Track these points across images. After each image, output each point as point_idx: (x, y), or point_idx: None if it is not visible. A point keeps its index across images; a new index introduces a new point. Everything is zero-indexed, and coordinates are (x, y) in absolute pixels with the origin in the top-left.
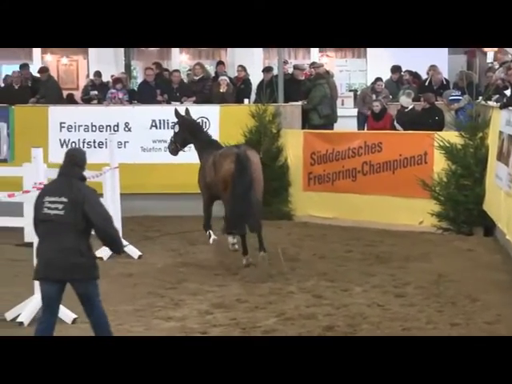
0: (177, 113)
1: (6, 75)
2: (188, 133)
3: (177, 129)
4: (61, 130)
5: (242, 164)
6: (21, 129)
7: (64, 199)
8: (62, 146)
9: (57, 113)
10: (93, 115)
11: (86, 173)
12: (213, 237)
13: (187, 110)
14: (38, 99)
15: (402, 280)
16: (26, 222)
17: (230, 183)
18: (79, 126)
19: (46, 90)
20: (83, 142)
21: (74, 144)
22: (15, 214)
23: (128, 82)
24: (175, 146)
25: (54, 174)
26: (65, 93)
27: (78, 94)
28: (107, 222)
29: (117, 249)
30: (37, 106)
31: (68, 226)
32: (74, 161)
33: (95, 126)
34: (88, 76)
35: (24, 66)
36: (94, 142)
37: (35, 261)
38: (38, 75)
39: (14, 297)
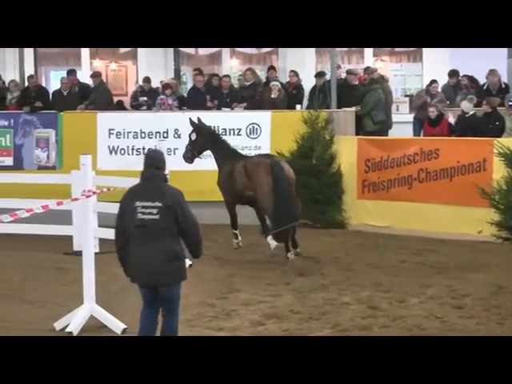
0: (192, 121)
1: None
2: (208, 140)
3: (194, 136)
4: (109, 137)
5: (278, 174)
6: (69, 136)
7: (158, 204)
8: (110, 153)
9: (106, 119)
10: (142, 122)
11: (136, 180)
12: (238, 240)
13: (199, 119)
14: (87, 105)
15: (460, 291)
16: (74, 231)
17: (270, 194)
18: (128, 133)
19: (96, 96)
20: (132, 149)
21: (122, 151)
22: (64, 222)
23: (178, 88)
24: (192, 154)
25: (102, 181)
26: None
27: (126, 100)
28: (195, 225)
29: (197, 254)
30: (85, 113)
31: (163, 230)
32: (156, 163)
33: (144, 132)
34: (137, 82)
35: (71, 72)
36: (143, 148)
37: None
38: (84, 81)
39: (62, 306)
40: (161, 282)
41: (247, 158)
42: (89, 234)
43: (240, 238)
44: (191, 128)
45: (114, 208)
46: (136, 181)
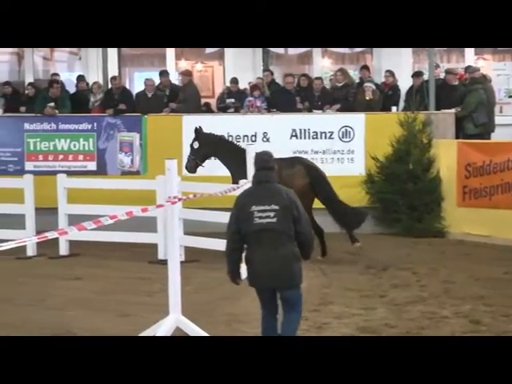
0: (197, 130)
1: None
2: (217, 147)
3: (196, 145)
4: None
5: (315, 174)
6: (154, 139)
7: (275, 207)
8: None
9: (191, 122)
10: (229, 124)
11: (222, 186)
12: None
13: (201, 128)
14: (177, 106)
15: None
16: (159, 239)
17: (310, 195)
18: None
19: (186, 95)
20: None
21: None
22: (148, 230)
23: (266, 89)
24: (195, 163)
25: (188, 187)
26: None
27: (213, 102)
28: (309, 227)
29: (309, 255)
30: (171, 115)
31: (282, 233)
32: (268, 165)
33: (232, 135)
34: (224, 83)
35: (163, 73)
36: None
37: (243, 268)
38: (174, 82)
39: (147, 317)
40: (285, 284)
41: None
42: (174, 241)
43: None
44: (290, 130)
45: (200, 215)
46: (222, 186)
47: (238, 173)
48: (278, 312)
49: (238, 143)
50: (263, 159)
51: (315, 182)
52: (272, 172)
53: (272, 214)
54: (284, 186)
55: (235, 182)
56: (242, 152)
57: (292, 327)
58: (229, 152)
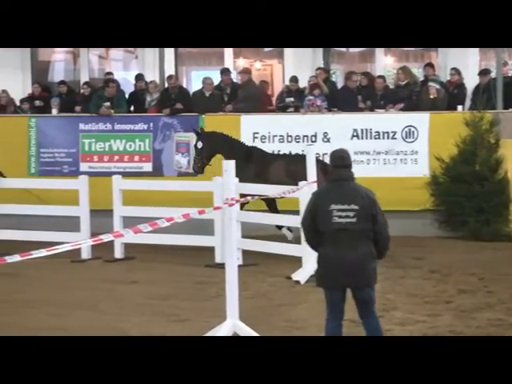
0: (197, 130)
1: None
2: (222, 145)
3: (200, 145)
4: (254, 141)
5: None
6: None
7: (354, 206)
8: None
9: (250, 122)
10: (288, 124)
11: (281, 188)
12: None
13: (202, 129)
14: (236, 104)
15: None
16: (216, 242)
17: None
18: (274, 137)
19: (245, 93)
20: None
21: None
22: (204, 233)
23: (324, 87)
24: (202, 163)
25: (246, 188)
26: None
27: (272, 101)
28: (387, 227)
29: (383, 254)
30: (229, 115)
31: (361, 232)
32: (346, 163)
33: (291, 136)
34: (283, 82)
35: (225, 71)
36: (290, 153)
37: (312, 268)
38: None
39: (204, 322)
40: (361, 283)
41: (285, 157)
42: (232, 245)
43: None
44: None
45: (258, 217)
46: (281, 188)
47: (242, 171)
48: (343, 317)
49: (241, 141)
50: (340, 157)
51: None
52: (350, 170)
53: (352, 214)
54: (288, 180)
55: (239, 178)
56: (246, 149)
57: (376, 327)
58: (233, 150)
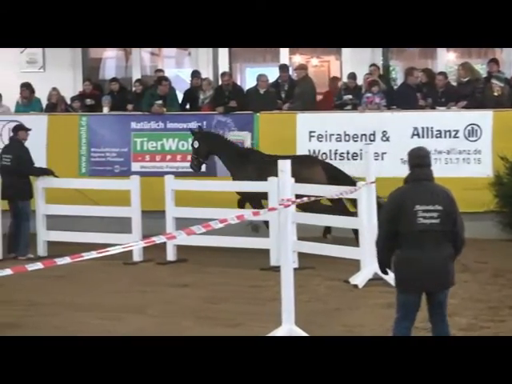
0: (193, 130)
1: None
2: (216, 144)
3: (196, 144)
4: (310, 140)
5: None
6: (266, 138)
7: (438, 207)
8: None
9: (306, 120)
10: (346, 123)
11: (338, 188)
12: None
13: (200, 127)
14: (292, 102)
15: None
16: (271, 244)
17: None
18: (331, 135)
19: (301, 89)
20: (335, 153)
21: (324, 155)
22: (260, 234)
23: (381, 84)
24: (198, 162)
25: (301, 189)
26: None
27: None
28: (464, 227)
29: (458, 255)
30: (284, 113)
31: (443, 234)
32: (427, 161)
33: (348, 134)
34: (341, 79)
35: (283, 68)
36: (348, 153)
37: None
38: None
39: (259, 327)
40: (443, 286)
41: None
42: (287, 247)
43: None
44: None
45: (315, 219)
46: (338, 188)
47: (236, 172)
48: (414, 323)
49: (234, 141)
50: (421, 155)
51: (334, 177)
52: (430, 169)
53: (435, 215)
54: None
55: (235, 180)
56: (243, 151)
57: (447, 333)
58: (228, 151)
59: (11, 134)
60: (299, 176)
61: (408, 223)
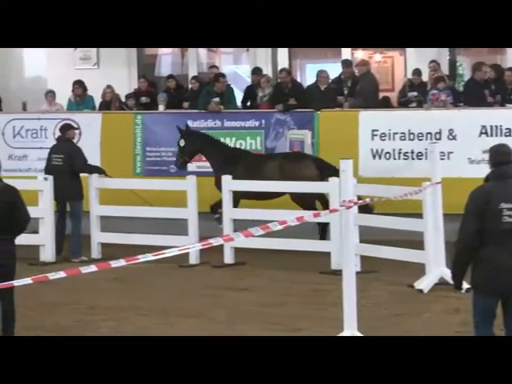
0: (180, 128)
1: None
2: (203, 144)
3: (182, 143)
4: (373, 139)
5: (324, 166)
6: (327, 137)
7: None
8: (373, 157)
9: (368, 118)
10: (411, 121)
11: (402, 189)
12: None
13: (187, 125)
14: (354, 99)
15: None
16: (332, 247)
17: None
18: (394, 134)
19: (362, 85)
20: (399, 153)
21: (387, 155)
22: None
23: (447, 80)
24: (183, 160)
25: (364, 190)
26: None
27: (393, 96)
28: None
29: None
30: (346, 111)
31: None
32: (510, 159)
33: (413, 133)
34: (405, 75)
35: (346, 63)
36: (412, 152)
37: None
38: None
39: (320, 332)
40: None
41: (279, 157)
42: (349, 250)
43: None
44: (479, 127)
45: (378, 221)
46: (402, 189)
47: (221, 171)
48: (493, 322)
49: (223, 141)
50: (504, 152)
51: (326, 173)
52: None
53: None
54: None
55: (218, 180)
56: (231, 151)
57: None
58: (215, 150)
59: (58, 134)
60: (291, 173)
61: (492, 222)
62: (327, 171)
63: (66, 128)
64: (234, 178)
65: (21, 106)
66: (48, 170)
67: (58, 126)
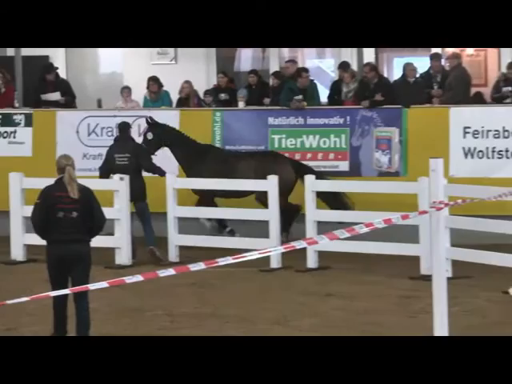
0: (148, 120)
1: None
2: (171, 138)
3: (150, 136)
4: (464, 136)
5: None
6: (416, 135)
7: None
8: (465, 156)
9: (460, 115)
10: (505, 117)
11: (496, 190)
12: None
13: (151, 117)
14: (445, 94)
15: None
16: (422, 251)
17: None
18: (488, 132)
19: (452, 80)
20: (492, 151)
21: (480, 154)
22: (409, 240)
23: None
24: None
25: (456, 190)
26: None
27: (486, 92)
28: None
29: None
30: (435, 107)
31: None
32: None
33: (508, 130)
34: (499, 69)
35: (435, 57)
36: (507, 150)
37: None
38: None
39: None
40: None
41: (252, 155)
42: (440, 254)
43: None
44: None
45: (471, 223)
46: (496, 190)
47: (188, 170)
48: None
49: (191, 137)
50: None
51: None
52: None
53: None
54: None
55: (188, 176)
56: (201, 148)
57: None
58: (183, 146)
59: (118, 134)
60: (267, 172)
61: None
62: (303, 171)
63: (127, 127)
64: (201, 176)
65: (96, 104)
66: (109, 170)
67: (135, 123)
